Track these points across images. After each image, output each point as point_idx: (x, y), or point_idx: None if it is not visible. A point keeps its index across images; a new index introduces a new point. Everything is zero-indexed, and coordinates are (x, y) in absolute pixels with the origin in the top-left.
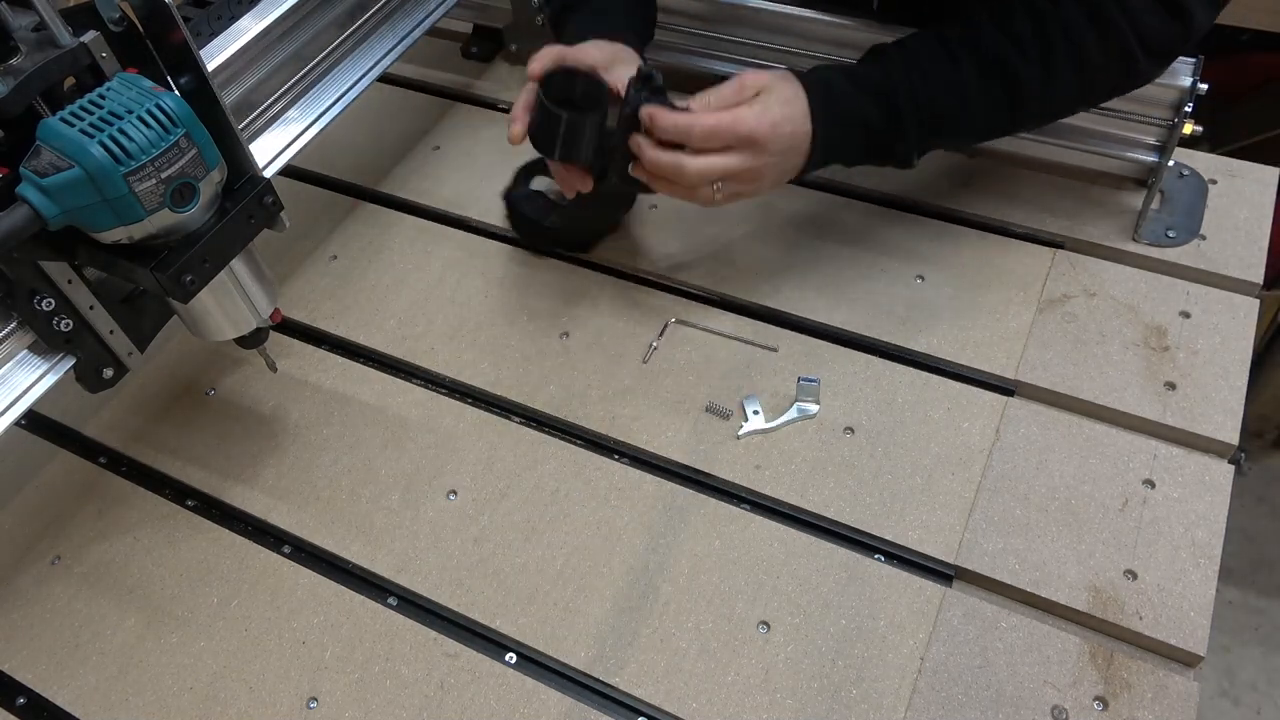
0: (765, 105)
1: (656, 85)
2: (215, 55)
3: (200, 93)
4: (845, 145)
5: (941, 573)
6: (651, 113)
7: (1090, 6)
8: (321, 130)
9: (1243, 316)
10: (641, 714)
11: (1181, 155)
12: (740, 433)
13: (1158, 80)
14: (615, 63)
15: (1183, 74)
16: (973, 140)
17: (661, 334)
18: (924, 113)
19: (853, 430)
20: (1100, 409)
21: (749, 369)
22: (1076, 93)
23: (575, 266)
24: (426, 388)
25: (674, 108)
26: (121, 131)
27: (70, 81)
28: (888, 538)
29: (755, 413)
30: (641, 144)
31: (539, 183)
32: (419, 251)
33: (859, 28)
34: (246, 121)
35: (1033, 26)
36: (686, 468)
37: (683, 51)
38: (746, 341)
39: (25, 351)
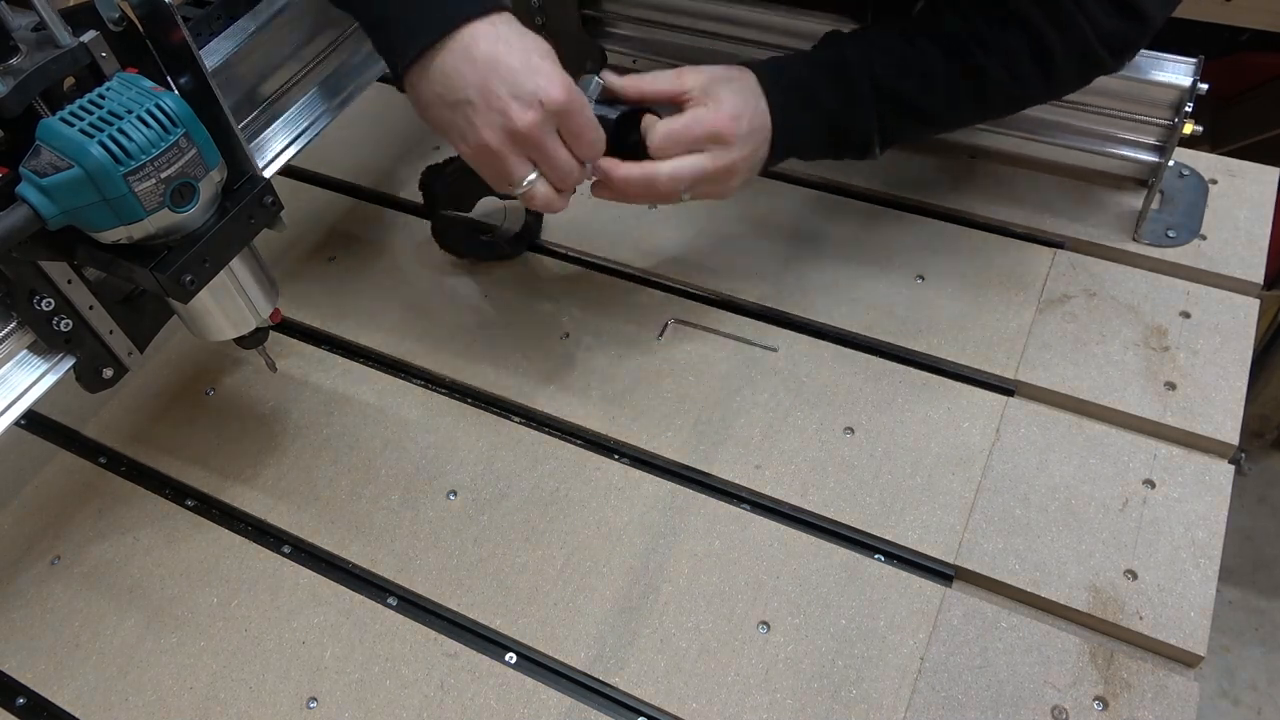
0: (717, 99)
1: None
2: (215, 55)
3: (200, 93)
4: (803, 129)
5: (941, 573)
6: (606, 167)
7: (1052, 9)
8: (321, 130)
9: (1243, 316)
10: (641, 714)
11: (1181, 155)
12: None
13: (1158, 80)
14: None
15: (1183, 74)
16: (937, 127)
17: (661, 334)
18: (883, 90)
19: (853, 430)
20: (1100, 409)
21: (749, 369)
22: (1040, 89)
23: (575, 266)
24: (426, 388)
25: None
26: (121, 131)
27: (70, 81)
28: (888, 538)
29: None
30: (605, 165)
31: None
32: (419, 251)
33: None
34: (246, 121)
35: (996, 25)
36: (686, 468)
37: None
38: (746, 341)
39: (25, 351)
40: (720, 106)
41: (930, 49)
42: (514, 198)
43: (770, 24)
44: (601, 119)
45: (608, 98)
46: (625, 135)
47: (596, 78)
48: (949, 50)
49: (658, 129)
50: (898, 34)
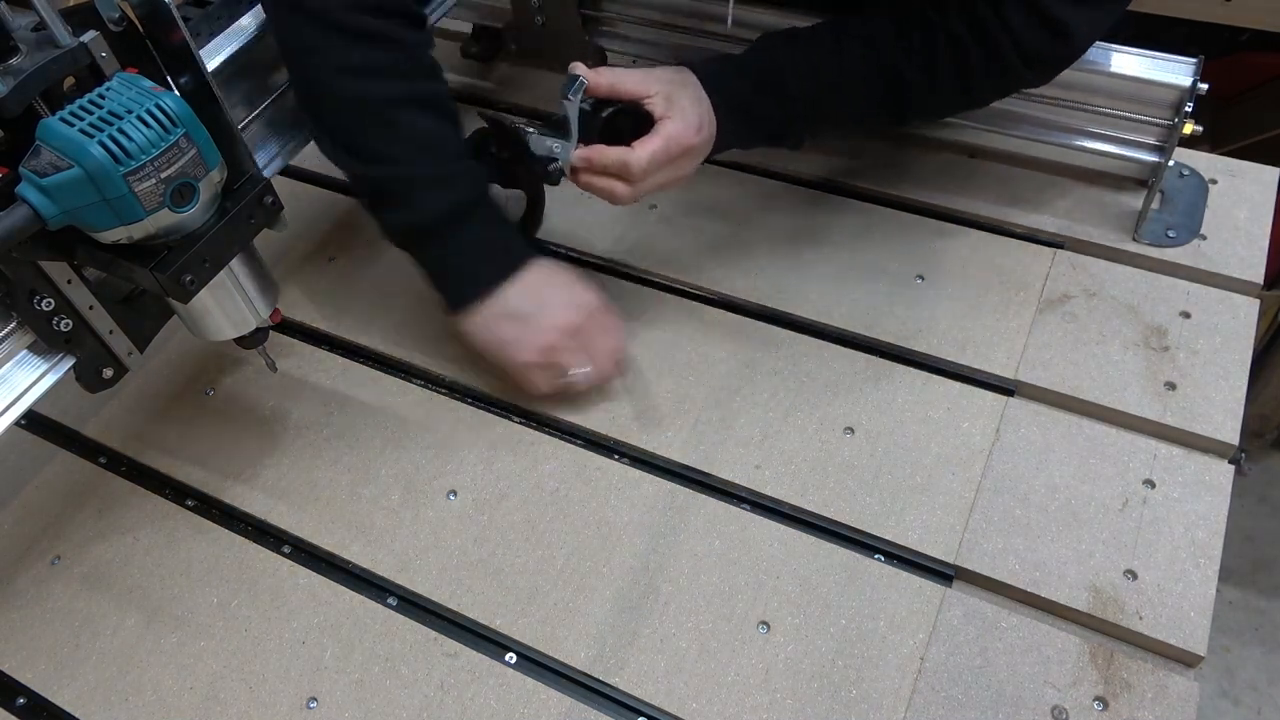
0: (683, 112)
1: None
2: (215, 55)
3: (200, 93)
4: (741, 137)
5: (941, 573)
6: (589, 155)
7: (975, 23)
8: None
9: (1243, 316)
10: (641, 714)
11: (1181, 155)
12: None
13: (1158, 80)
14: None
15: (1183, 74)
16: (865, 128)
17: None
18: (815, 107)
19: (853, 430)
20: (1100, 409)
21: (749, 369)
22: (959, 99)
23: (575, 266)
24: (426, 388)
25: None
26: (121, 131)
27: (70, 81)
28: (888, 538)
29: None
30: (580, 172)
31: None
32: None
33: None
34: (246, 121)
35: (923, 36)
36: (686, 468)
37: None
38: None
39: (25, 351)
40: (686, 119)
41: (859, 64)
42: (519, 188)
43: (770, 24)
44: (591, 115)
45: (591, 96)
46: (619, 129)
47: (580, 78)
48: (877, 63)
49: (639, 158)
50: (832, 43)
